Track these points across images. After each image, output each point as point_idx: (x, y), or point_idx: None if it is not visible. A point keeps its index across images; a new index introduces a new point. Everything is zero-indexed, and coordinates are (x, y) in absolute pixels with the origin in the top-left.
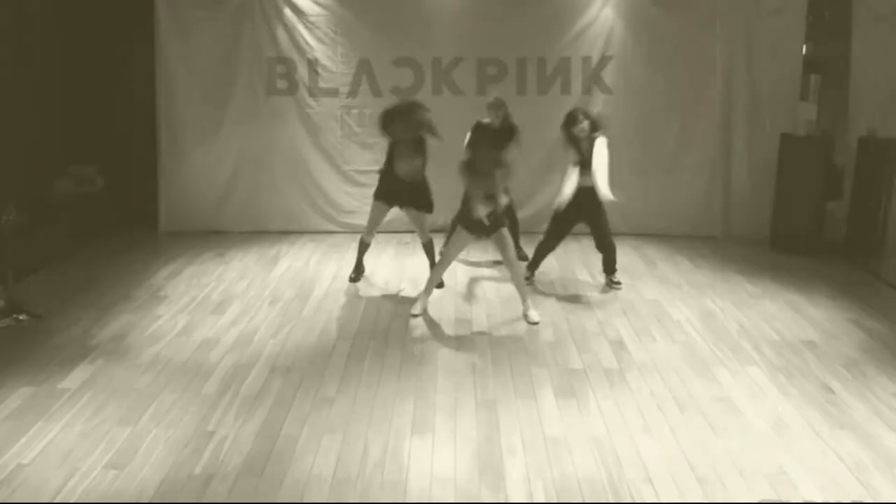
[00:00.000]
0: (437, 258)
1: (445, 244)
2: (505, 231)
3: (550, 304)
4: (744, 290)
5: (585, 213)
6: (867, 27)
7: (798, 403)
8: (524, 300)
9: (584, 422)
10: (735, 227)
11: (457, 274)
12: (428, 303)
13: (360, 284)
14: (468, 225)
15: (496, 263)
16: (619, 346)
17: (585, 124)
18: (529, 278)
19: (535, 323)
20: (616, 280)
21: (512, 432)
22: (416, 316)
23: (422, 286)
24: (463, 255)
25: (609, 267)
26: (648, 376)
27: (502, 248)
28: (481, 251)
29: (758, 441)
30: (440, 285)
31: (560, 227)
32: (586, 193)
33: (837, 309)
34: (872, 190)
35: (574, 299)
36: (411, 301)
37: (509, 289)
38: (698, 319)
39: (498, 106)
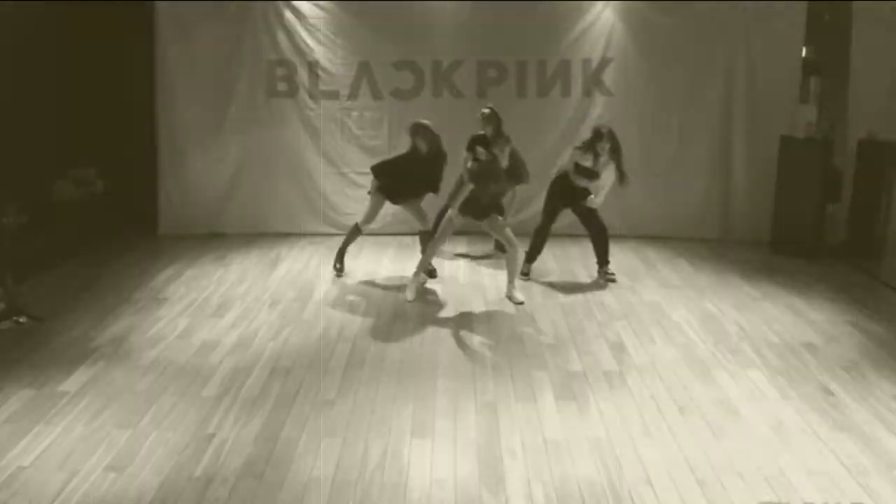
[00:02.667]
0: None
1: (436, 227)
2: (497, 216)
3: (550, 307)
4: (743, 293)
5: (575, 202)
6: (867, 29)
7: (798, 405)
8: (511, 281)
9: (583, 424)
10: (735, 230)
11: (457, 274)
12: (418, 289)
13: (361, 286)
14: (459, 207)
15: (498, 250)
16: (618, 348)
17: (607, 146)
18: (526, 272)
19: (521, 303)
20: (610, 272)
21: (512, 435)
22: (410, 301)
23: (421, 286)
24: (463, 251)
25: (602, 258)
26: (648, 379)
27: (498, 230)
28: (482, 248)
29: (758, 443)
30: (432, 274)
31: (549, 214)
32: (580, 189)
33: (837, 311)
34: (872, 192)
35: (574, 301)
36: (411, 302)
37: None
38: (698, 322)
39: (504, 140)
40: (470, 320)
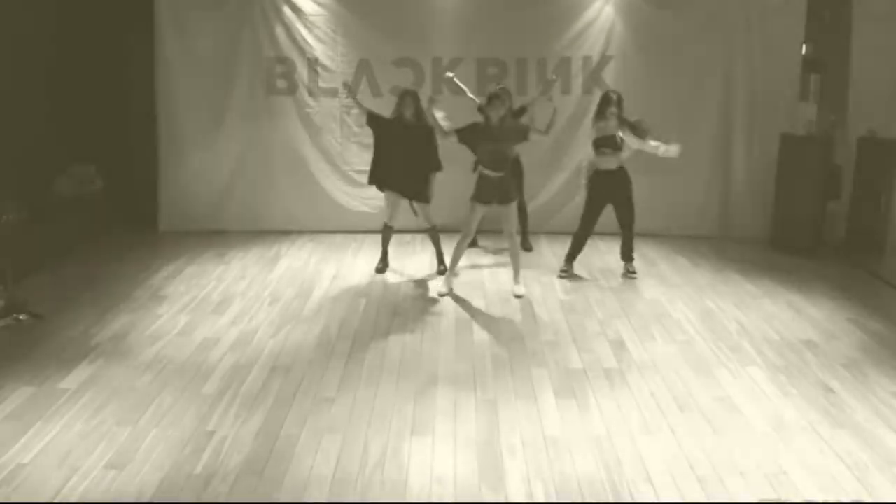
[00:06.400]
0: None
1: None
2: (514, 205)
3: (551, 304)
4: (744, 290)
5: (616, 196)
6: (867, 27)
7: (798, 403)
8: (516, 274)
9: (583, 422)
10: (735, 227)
11: (458, 273)
12: (453, 283)
13: (361, 283)
14: (478, 196)
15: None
16: (619, 346)
17: (616, 111)
18: (567, 271)
19: (520, 296)
20: (632, 269)
21: (512, 432)
22: (443, 295)
23: (421, 284)
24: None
25: (627, 253)
26: (648, 376)
27: (507, 218)
28: (481, 251)
29: (758, 441)
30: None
31: (592, 211)
32: (615, 176)
33: (837, 309)
34: (872, 190)
35: (574, 299)
36: (411, 300)
37: (509, 288)
38: (698, 319)
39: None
40: (470, 318)
